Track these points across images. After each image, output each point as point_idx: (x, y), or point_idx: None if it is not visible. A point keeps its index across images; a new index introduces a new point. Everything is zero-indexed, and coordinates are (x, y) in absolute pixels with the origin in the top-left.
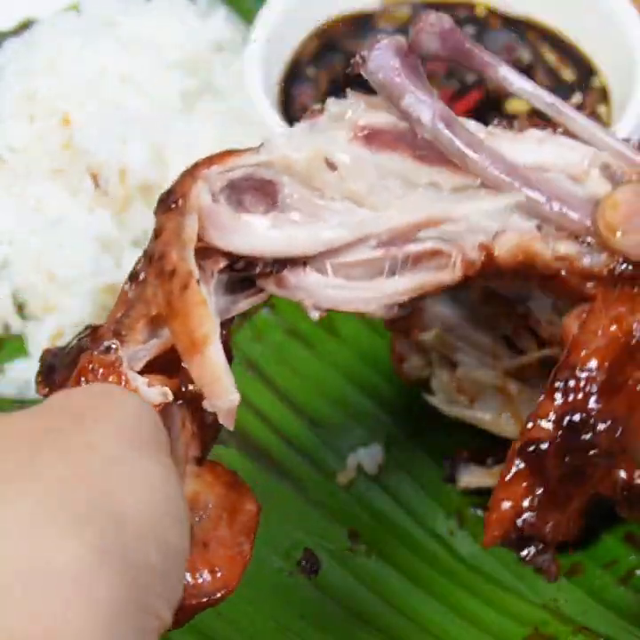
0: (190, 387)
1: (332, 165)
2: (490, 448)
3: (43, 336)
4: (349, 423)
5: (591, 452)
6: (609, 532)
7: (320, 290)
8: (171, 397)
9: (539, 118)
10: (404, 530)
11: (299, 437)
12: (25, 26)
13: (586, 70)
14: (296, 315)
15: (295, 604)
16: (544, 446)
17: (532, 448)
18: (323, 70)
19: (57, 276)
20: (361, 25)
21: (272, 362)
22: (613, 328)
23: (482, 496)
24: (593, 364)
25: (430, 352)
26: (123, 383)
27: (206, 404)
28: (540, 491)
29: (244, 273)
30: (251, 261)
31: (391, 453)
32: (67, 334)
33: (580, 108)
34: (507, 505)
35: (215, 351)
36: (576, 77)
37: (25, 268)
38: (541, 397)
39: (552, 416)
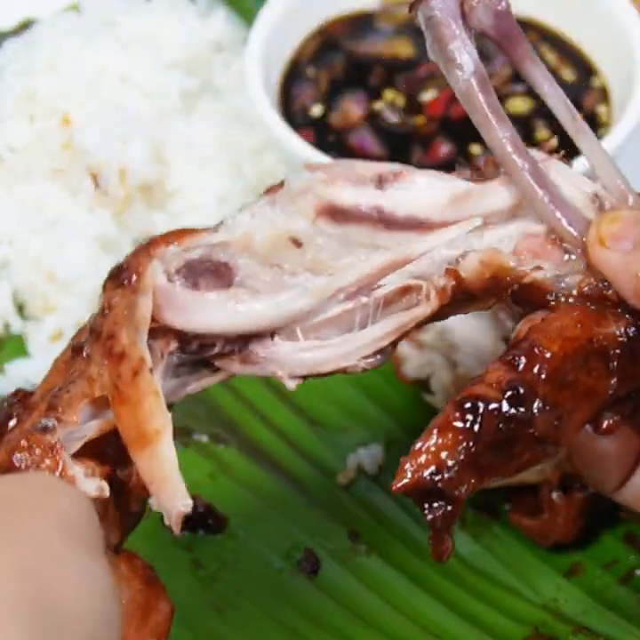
0: (118, 471)
1: (297, 243)
2: None
3: (43, 336)
4: (349, 423)
5: (527, 431)
6: (609, 532)
7: (293, 356)
8: (107, 493)
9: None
10: (403, 530)
11: (299, 437)
12: (25, 26)
13: (586, 70)
14: None
15: (295, 604)
16: (483, 405)
17: (470, 404)
18: (323, 70)
19: (57, 275)
20: (361, 25)
21: None
22: (578, 327)
23: (482, 496)
24: (551, 349)
25: (430, 352)
26: (59, 469)
27: (153, 503)
28: (465, 449)
29: (197, 355)
30: (205, 343)
31: (391, 453)
32: (66, 334)
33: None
34: (428, 455)
35: (167, 448)
36: (576, 77)
37: (25, 268)
38: (492, 364)
39: (498, 381)
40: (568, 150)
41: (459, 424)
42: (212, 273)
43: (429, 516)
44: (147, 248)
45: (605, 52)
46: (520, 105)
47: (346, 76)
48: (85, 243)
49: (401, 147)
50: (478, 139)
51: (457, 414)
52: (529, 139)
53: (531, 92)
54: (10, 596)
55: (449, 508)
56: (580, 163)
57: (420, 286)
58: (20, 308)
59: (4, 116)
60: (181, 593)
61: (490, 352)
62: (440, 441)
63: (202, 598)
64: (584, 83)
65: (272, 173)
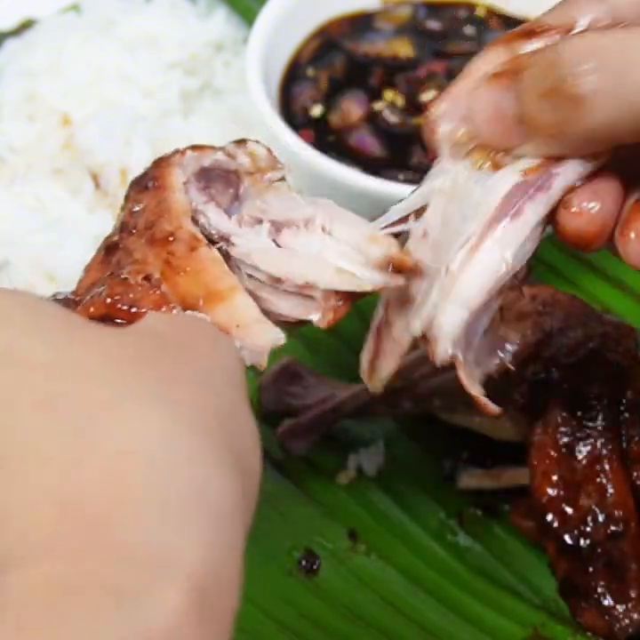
0: None
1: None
2: (489, 449)
3: None
4: (349, 423)
5: None
6: None
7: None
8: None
9: None
10: (403, 530)
11: None
12: (25, 26)
13: None
14: None
15: (295, 604)
16: None
17: None
18: (323, 70)
19: (57, 276)
20: (361, 25)
21: (271, 362)
22: None
23: (482, 496)
24: None
25: None
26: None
27: (237, 345)
28: None
29: None
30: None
31: (391, 453)
32: None
33: None
34: None
35: (245, 300)
36: None
37: (25, 268)
38: None
39: None
40: None
41: None
42: (222, 179)
43: None
44: (165, 158)
45: None
46: None
47: (346, 75)
48: (85, 243)
49: (401, 147)
50: None
51: None
52: None
53: None
54: (213, 436)
55: None
56: None
57: None
58: None
59: (3, 116)
60: None
61: None
62: None
63: None
64: None
65: None
